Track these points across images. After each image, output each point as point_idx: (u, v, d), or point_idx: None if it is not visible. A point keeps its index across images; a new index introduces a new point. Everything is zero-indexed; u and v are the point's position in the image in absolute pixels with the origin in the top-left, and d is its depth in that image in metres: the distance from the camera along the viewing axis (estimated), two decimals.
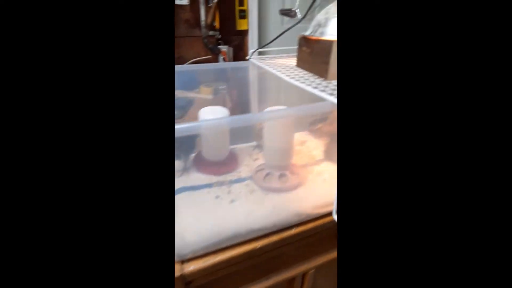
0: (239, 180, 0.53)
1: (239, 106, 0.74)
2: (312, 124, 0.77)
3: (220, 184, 0.51)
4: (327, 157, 0.64)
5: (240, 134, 0.70)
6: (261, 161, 0.59)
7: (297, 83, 0.41)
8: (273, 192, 0.49)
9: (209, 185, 0.51)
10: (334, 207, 0.37)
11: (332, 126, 0.66)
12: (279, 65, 0.56)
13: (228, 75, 0.73)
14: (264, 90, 0.72)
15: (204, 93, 0.87)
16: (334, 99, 0.33)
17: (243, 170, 0.57)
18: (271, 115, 0.35)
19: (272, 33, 1.04)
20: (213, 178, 0.52)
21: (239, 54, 1.23)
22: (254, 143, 0.70)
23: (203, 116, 0.52)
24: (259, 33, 0.99)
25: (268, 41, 1.07)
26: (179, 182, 0.52)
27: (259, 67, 0.56)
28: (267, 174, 0.52)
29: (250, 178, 0.54)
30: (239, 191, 0.50)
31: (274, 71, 0.49)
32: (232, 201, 0.47)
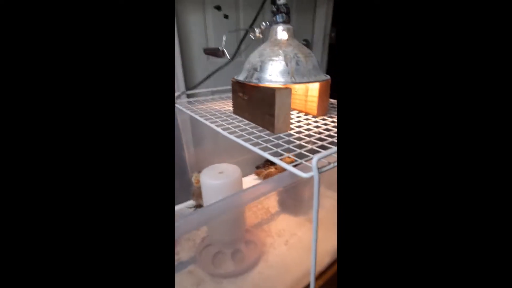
0: (178, 268, 0.40)
1: None
2: (259, 167, 0.70)
3: None
4: (282, 208, 0.56)
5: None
6: (205, 228, 0.47)
7: (243, 142, 0.32)
8: (227, 279, 0.38)
9: None
10: (311, 282, 0.28)
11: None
12: (214, 111, 0.47)
13: None
14: (200, 139, 0.61)
15: None
16: (291, 168, 0.25)
17: (183, 247, 0.44)
18: (220, 209, 0.25)
19: (199, 68, 0.96)
20: None
21: None
22: (191, 203, 0.57)
23: None
24: (183, 70, 0.89)
25: (196, 79, 0.99)
26: None
27: (189, 115, 0.46)
28: (217, 254, 0.40)
29: (194, 261, 0.41)
30: (180, 287, 0.37)
31: (209, 124, 0.39)
32: None
